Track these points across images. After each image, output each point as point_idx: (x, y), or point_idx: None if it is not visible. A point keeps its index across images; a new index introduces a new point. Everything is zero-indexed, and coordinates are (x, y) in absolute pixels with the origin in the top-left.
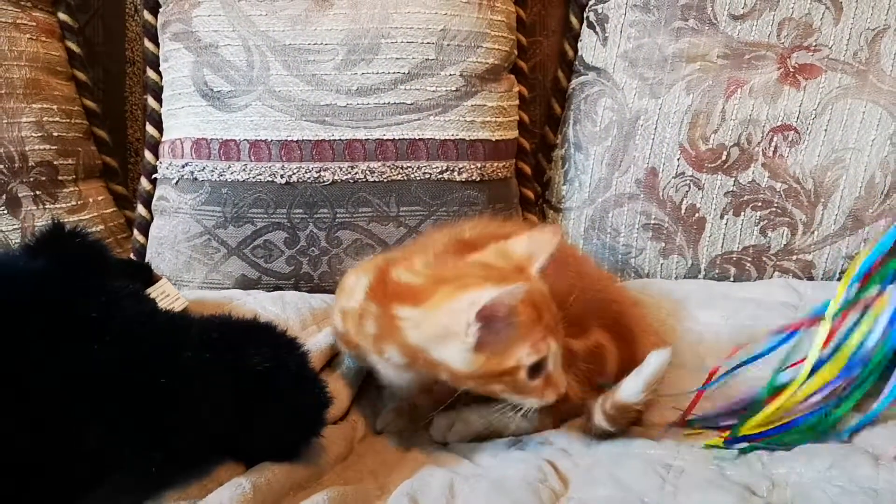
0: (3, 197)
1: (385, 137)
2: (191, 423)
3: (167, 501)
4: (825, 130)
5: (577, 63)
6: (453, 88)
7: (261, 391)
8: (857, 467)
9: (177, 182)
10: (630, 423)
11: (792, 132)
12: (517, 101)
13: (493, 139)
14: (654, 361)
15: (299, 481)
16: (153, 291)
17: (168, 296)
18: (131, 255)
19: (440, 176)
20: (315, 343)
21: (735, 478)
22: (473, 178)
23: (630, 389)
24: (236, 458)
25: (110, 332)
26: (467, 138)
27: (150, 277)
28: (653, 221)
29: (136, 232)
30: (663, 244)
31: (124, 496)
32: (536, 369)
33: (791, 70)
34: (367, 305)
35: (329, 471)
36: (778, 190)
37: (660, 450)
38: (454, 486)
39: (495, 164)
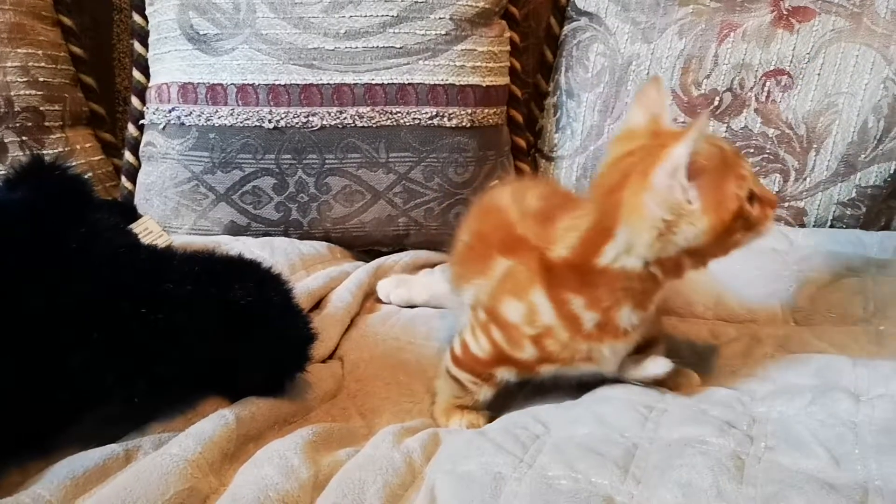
0: None
1: (374, 82)
2: (174, 353)
3: (151, 433)
4: (818, 75)
5: (569, 9)
6: (443, 32)
7: (244, 325)
8: (837, 402)
9: (164, 127)
10: None
11: (785, 77)
12: (508, 47)
13: (484, 85)
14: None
15: (285, 416)
16: (136, 227)
17: (151, 232)
18: None
19: (430, 122)
20: (303, 286)
21: (717, 415)
22: (464, 124)
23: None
24: (222, 394)
25: (91, 262)
26: (457, 83)
27: (134, 216)
28: None
29: (123, 178)
30: None
31: (109, 427)
32: (751, 196)
33: (784, 13)
34: (568, 305)
35: (317, 408)
36: (770, 136)
37: (643, 395)
38: (438, 433)
39: (486, 111)
